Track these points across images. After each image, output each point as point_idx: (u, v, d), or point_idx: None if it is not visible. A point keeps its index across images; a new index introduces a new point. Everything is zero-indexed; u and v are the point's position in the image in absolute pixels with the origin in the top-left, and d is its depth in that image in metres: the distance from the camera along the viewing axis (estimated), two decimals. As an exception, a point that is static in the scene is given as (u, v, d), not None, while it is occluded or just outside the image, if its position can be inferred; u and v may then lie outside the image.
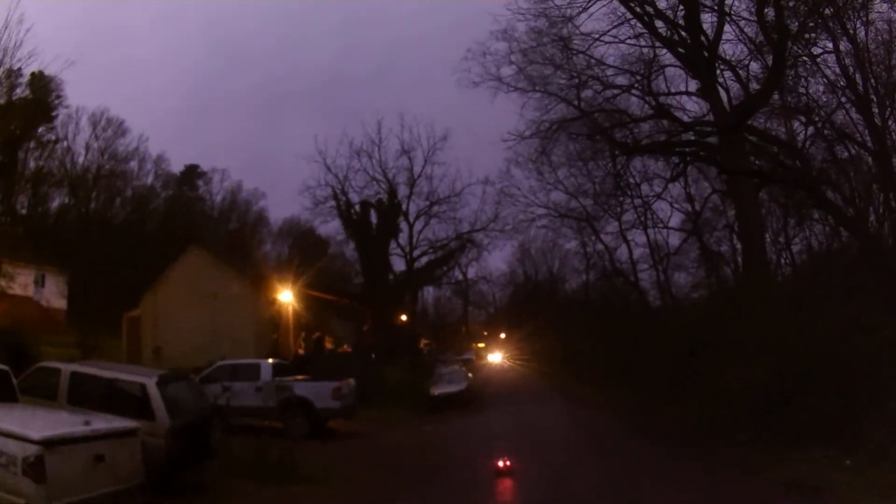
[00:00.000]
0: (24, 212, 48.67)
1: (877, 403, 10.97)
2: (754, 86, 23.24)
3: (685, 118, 26.15)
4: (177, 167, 63.62)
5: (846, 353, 12.26)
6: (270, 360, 19.90)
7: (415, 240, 44.51)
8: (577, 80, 25.15)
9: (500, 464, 12.66)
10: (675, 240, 38.13)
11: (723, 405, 15.25)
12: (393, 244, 44.43)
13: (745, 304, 20.02)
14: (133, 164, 58.33)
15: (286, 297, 27.41)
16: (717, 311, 22.45)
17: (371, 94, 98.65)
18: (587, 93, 25.94)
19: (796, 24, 19.65)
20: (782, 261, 30.00)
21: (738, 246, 31.95)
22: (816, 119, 23.10)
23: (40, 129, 48.52)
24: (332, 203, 42.49)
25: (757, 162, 24.73)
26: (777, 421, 12.63)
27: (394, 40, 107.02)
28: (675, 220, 37.52)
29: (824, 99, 22.76)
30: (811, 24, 20.02)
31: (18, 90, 30.39)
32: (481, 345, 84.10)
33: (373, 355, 31.93)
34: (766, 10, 19.63)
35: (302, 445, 14.32)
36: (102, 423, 8.18)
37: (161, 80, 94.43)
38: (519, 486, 11.89)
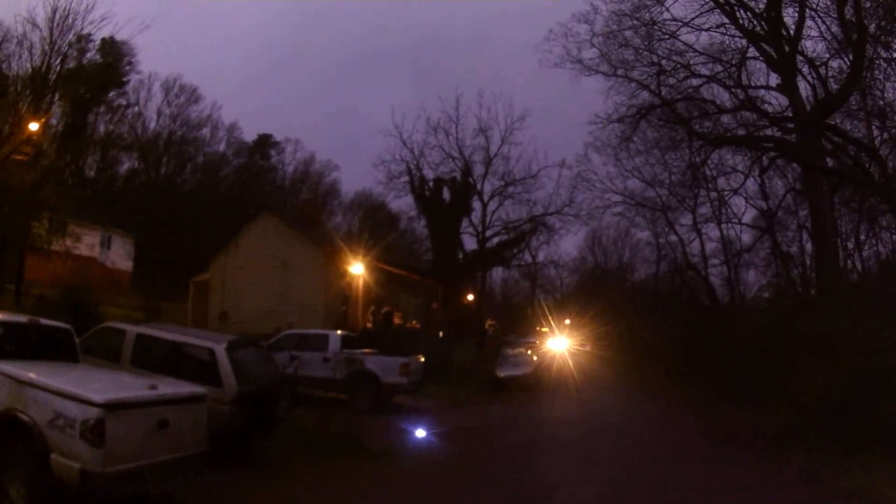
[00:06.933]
0: (92, 174, 49.28)
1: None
2: (833, 85, 22.73)
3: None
4: (249, 135, 64.49)
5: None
6: (339, 332, 19.67)
7: (488, 219, 43.85)
8: (657, 68, 24.76)
9: None
10: (746, 236, 37.56)
11: (790, 408, 15.01)
12: (465, 223, 43.91)
13: (820, 306, 19.51)
14: (205, 132, 59.55)
15: (357, 269, 27.03)
16: (790, 311, 21.85)
17: (455, 65, 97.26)
18: (669, 80, 25.55)
19: (874, 24, 19.12)
20: (849, 266, 28.94)
21: (808, 248, 31.44)
22: (890, 125, 22.17)
23: (111, 94, 49.11)
24: (406, 178, 42.14)
25: (833, 163, 24.16)
26: (843, 428, 12.26)
27: (487, 13, 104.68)
28: (748, 216, 36.57)
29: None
30: (888, 27, 19.34)
31: (88, 55, 30.67)
32: (545, 329, 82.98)
33: (441, 333, 31.51)
34: (846, 7, 19.19)
35: (367, 419, 14.01)
36: (169, 387, 7.81)
37: (236, 37, 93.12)
38: (587, 477, 11.36)
